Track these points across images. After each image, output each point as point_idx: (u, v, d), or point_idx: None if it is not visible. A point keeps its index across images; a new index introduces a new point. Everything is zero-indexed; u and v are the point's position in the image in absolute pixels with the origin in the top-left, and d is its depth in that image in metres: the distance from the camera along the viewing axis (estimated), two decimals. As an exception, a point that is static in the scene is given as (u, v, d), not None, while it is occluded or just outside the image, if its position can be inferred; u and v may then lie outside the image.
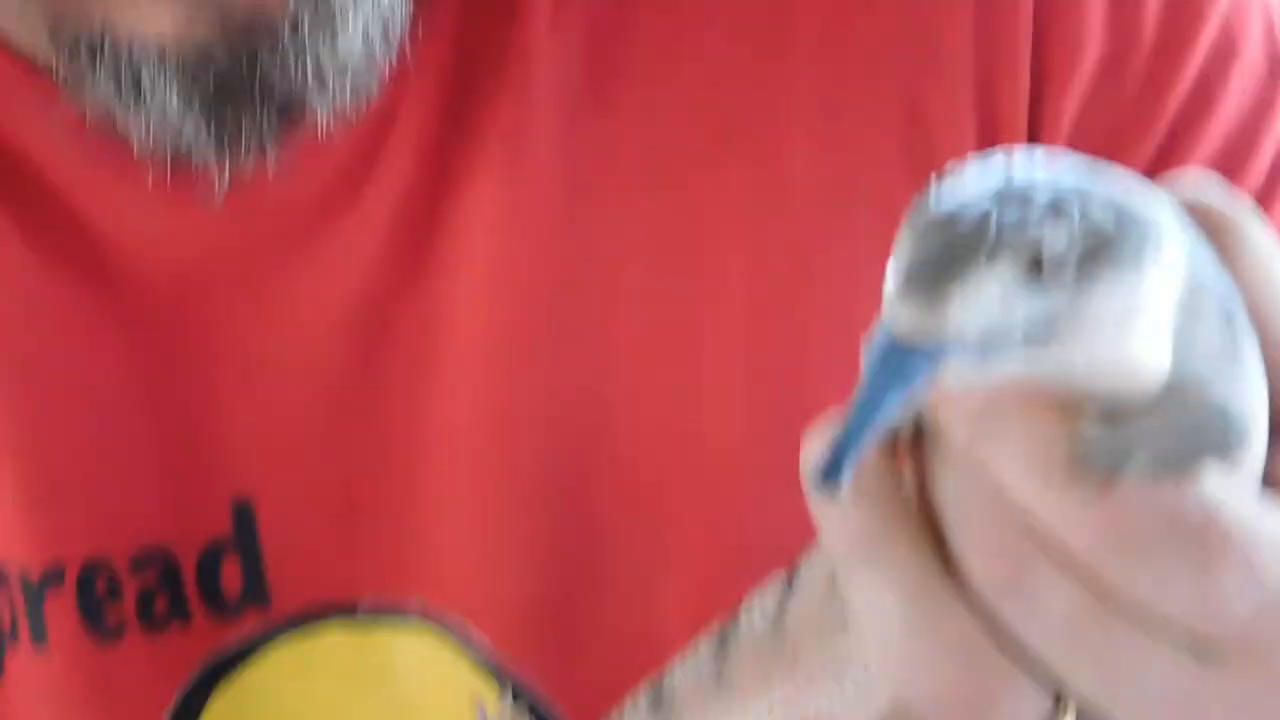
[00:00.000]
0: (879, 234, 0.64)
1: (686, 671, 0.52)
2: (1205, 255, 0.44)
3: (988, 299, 0.39)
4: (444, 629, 0.66)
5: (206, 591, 0.66)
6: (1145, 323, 0.41)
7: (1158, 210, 0.41)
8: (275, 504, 0.66)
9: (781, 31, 0.66)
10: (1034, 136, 0.66)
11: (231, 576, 0.66)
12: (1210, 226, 0.45)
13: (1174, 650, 0.43)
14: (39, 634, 0.65)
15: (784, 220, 0.66)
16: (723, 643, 0.51)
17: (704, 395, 0.67)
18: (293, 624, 0.66)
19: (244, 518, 0.66)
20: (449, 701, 0.67)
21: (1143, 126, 0.66)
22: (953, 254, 0.39)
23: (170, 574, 0.66)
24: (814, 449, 0.41)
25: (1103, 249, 0.40)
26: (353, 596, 0.66)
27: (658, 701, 0.52)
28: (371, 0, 0.60)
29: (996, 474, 0.43)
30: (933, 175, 0.58)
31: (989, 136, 0.66)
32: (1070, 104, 0.66)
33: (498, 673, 0.66)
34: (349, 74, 0.61)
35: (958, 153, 0.65)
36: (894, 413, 0.39)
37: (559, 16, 0.65)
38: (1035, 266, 0.40)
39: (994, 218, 0.40)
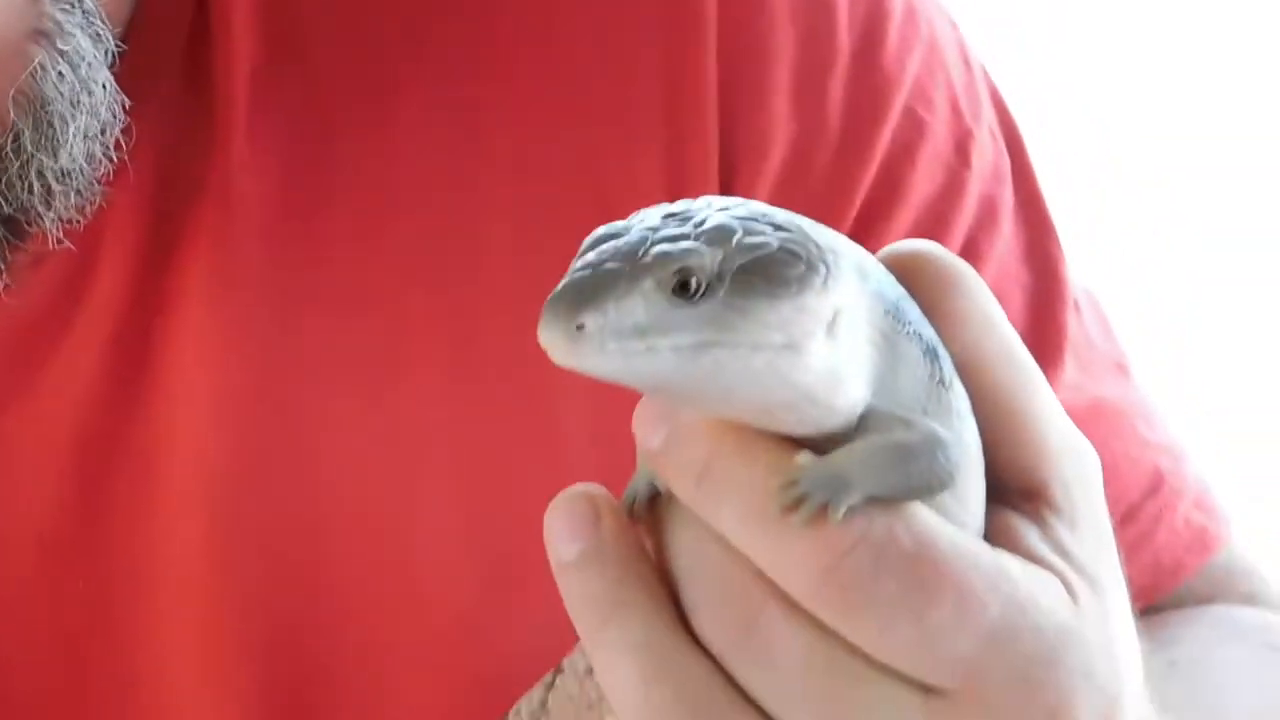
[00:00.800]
0: None
1: None
2: (908, 303, 0.44)
3: (627, 315, 0.40)
4: None
5: None
6: (817, 347, 0.41)
7: (836, 242, 0.42)
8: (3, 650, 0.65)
9: (478, 151, 0.66)
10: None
11: None
12: (925, 278, 0.45)
13: (901, 698, 0.43)
14: None
15: (485, 336, 0.66)
16: None
17: (416, 524, 0.65)
18: None
19: None
20: None
21: (832, 217, 0.63)
22: (593, 277, 0.40)
23: None
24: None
25: (761, 269, 0.40)
26: None
27: None
28: (89, 108, 0.59)
29: (720, 525, 0.43)
30: None
31: None
32: (760, 196, 0.64)
33: None
34: (72, 182, 0.60)
35: None
36: None
37: (258, 136, 0.64)
38: (684, 287, 0.40)
39: (644, 239, 0.41)
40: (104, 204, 0.62)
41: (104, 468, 0.64)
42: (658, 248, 0.40)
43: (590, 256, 0.41)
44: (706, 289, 0.40)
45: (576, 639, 0.48)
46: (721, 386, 0.41)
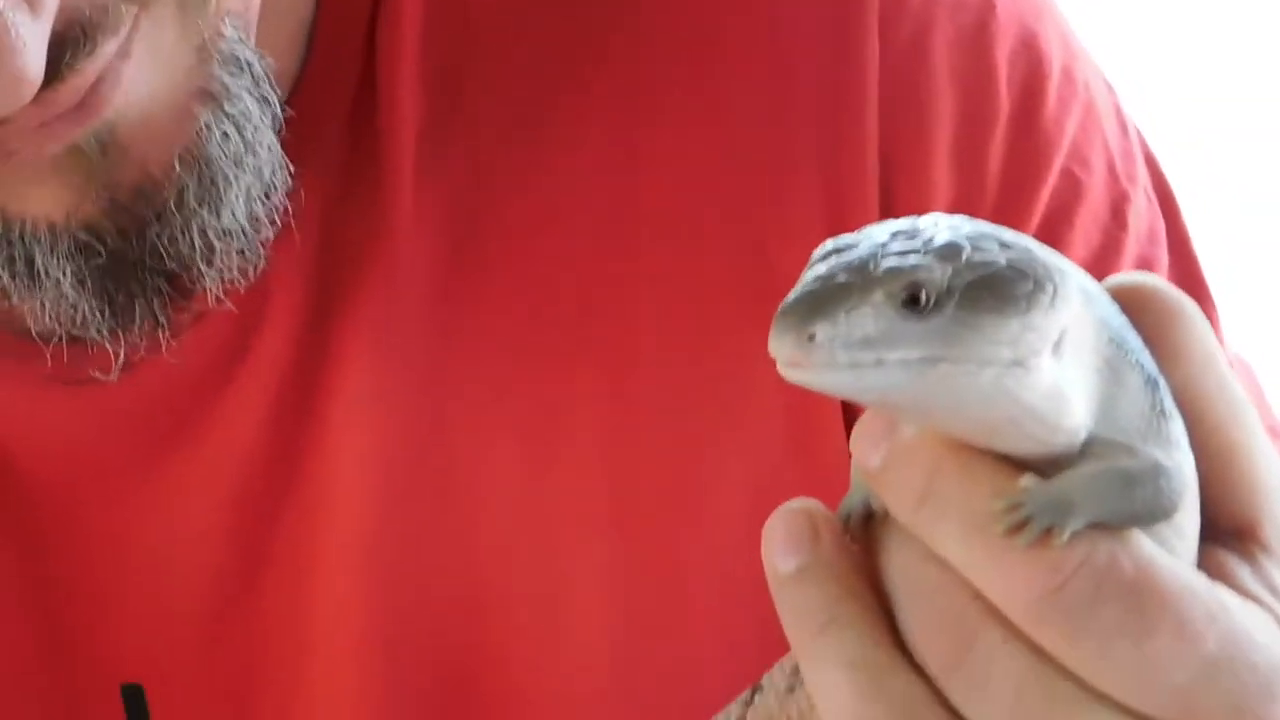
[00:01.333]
0: (738, 402, 0.65)
1: None
2: (1130, 332, 0.45)
3: (858, 327, 0.40)
4: None
5: None
6: (1044, 365, 0.42)
7: (1063, 263, 0.42)
8: (165, 689, 0.66)
9: (635, 207, 0.66)
10: None
11: None
12: (1148, 310, 0.46)
13: None
14: None
15: (641, 402, 0.66)
16: None
17: (574, 585, 0.66)
18: None
19: (135, 703, 0.66)
20: None
21: None
22: (825, 289, 0.41)
23: None
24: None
25: (989, 287, 0.41)
26: None
27: None
28: (252, 169, 0.60)
29: (939, 546, 0.43)
30: None
31: None
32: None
33: None
34: (234, 241, 0.60)
35: None
36: None
37: (423, 198, 0.65)
38: (914, 301, 0.40)
39: (875, 252, 0.41)
40: (269, 265, 0.62)
41: (264, 528, 0.65)
42: (888, 261, 0.41)
43: (820, 269, 0.41)
44: (936, 304, 0.40)
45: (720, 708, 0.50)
46: (949, 402, 0.41)
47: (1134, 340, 0.44)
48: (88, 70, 0.53)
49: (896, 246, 0.41)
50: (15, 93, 0.49)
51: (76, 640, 0.66)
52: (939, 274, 0.40)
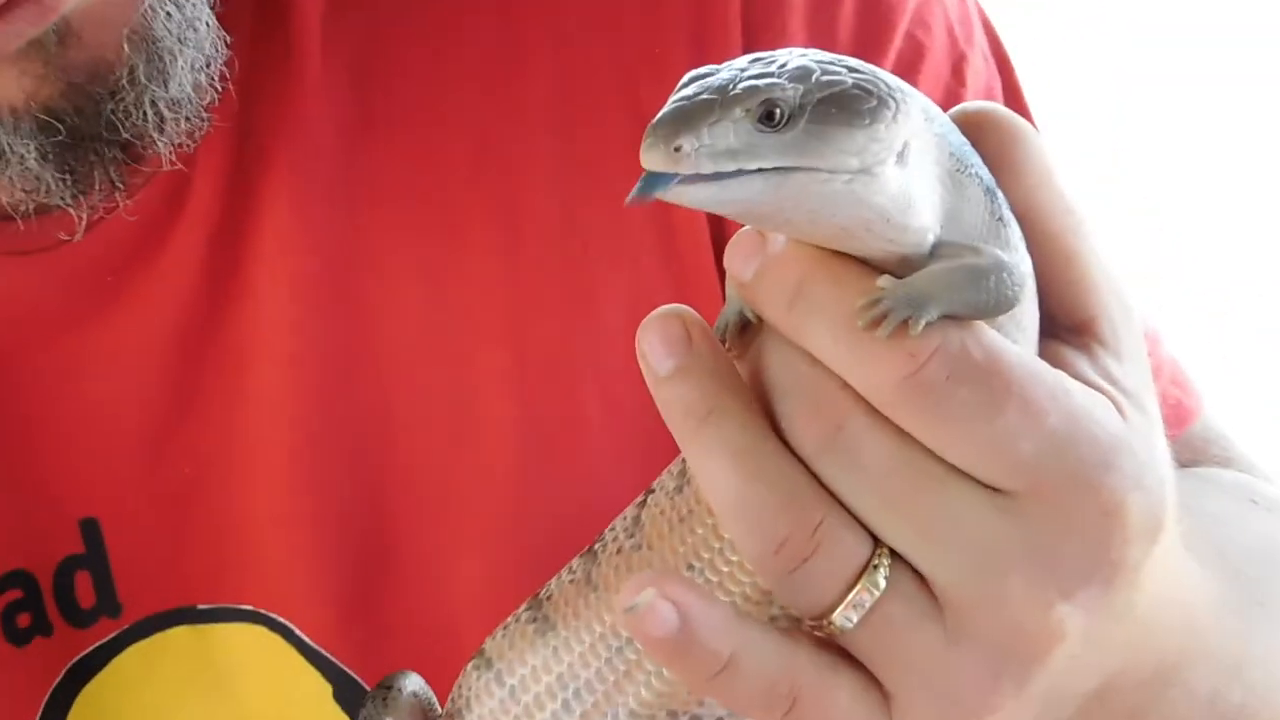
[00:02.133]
0: (614, 245, 0.73)
1: (561, 580, 0.57)
2: (969, 149, 0.49)
3: (719, 139, 0.45)
4: (272, 625, 0.73)
5: (63, 605, 0.73)
6: (890, 172, 0.46)
7: (905, 85, 0.47)
8: (118, 521, 0.73)
9: (518, 67, 0.73)
10: None
11: (85, 590, 0.73)
12: (984, 132, 0.50)
13: (972, 498, 0.48)
14: None
15: (528, 240, 0.73)
16: (591, 554, 0.57)
17: (477, 394, 0.73)
18: (141, 630, 0.74)
19: (91, 534, 0.73)
20: (280, 689, 0.74)
21: None
22: (691, 106, 0.45)
23: (30, 592, 0.72)
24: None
25: (837, 103, 0.45)
26: (192, 602, 0.74)
27: (535, 609, 0.58)
28: (194, 43, 0.67)
29: (809, 344, 0.48)
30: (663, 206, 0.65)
31: None
32: None
33: (321, 662, 0.73)
34: (182, 109, 0.68)
35: None
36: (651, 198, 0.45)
37: (329, 63, 0.72)
38: (769, 117, 0.45)
39: (735, 76, 0.46)
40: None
41: (197, 363, 0.73)
42: (745, 83, 0.45)
43: (686, 90, 0.46)
44: (789, 119, 0.45)
45: (620, 508, 0.55)
46: (807, 209, 0.46)
47: (973, 156, 0.49)
48: None
49: (754, 70, 0.46)
50: None
51: (35, 480, 0.73)
52: (791, 93, 0.45)
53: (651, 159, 0.45)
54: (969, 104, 0.51)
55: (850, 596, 0.49)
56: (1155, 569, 0.52)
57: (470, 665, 0.59)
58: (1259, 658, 0.62)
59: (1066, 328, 0.51)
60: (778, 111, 0.45)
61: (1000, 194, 0.50)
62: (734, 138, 0.45)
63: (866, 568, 0.49)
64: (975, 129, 0.50)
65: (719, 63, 0.71)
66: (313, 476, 0.73)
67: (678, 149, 0.44)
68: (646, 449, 0.69)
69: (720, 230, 0.74)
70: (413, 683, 0.61)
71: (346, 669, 0.73)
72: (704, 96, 0.45)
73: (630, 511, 0.55)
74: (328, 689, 0.73)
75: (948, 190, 0.48)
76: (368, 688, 0.73)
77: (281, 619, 0.73)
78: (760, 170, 0.45)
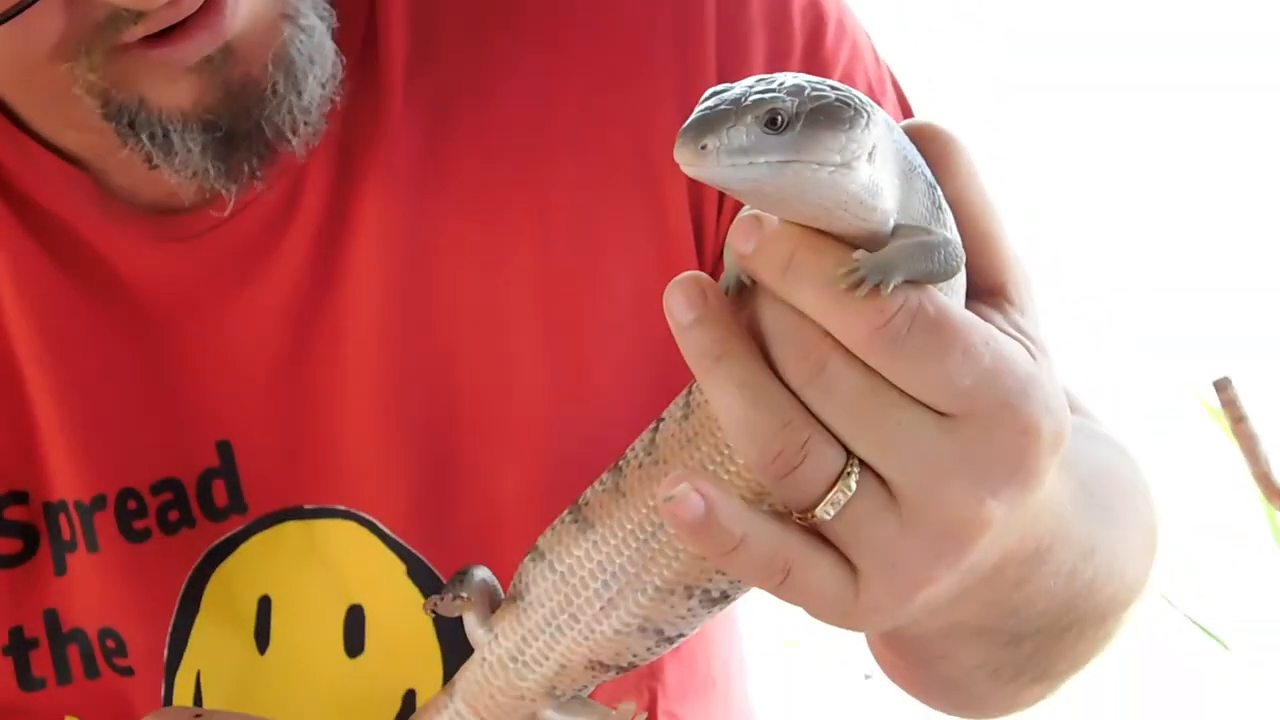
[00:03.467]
0: (621, 238, 0.92)
1: (595, 490, 0.67)
2: (917, 154, 0.59)
3: (735, 140, 0.53)
4: (361, 521, 0.92)
5: (204, 505, 0.92)
6: (862, 167, 0.55)
7: (873, 103, 0.56)
8: (246, 442, 0.92)
9: (553, 101, 0.90)
10: None
11: (220, 494, 0.92)
12: (927, 141, 0.60)
13: (923, 420, 0.57)
14: (92, 544, 0.91)
15: (556, 233, 0.90)
16: (617, 469, 0.66)
17: (516, 348, 0.91)
18: (262, 524, 0.92)
19: (225, 453, 0.92)
20: (366, 568, 0.93)
21: None
22: (713, 114, 0.54)
23: (179, 495, 0.92)
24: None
25: (824, 113, 0.54)
26: (300, 503, 0.92)
27: (576, 513, 0.67)
28: (319, 65, 0.83)
29: (798, 301, 0.57)
30: (655, 198, 0.86)
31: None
32: None
33: (398, 549, 0.92)
34: (311, 115, 0.84)
35: (673, 177, 0.90)
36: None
37: (410, 101, 0.90)
38: (773, 122, 0.54)
39: (745, 92, 0.55)
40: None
41: (311, 320, 0.91)
42: (754, 96, 0.55)
43: (709, 103, 0.55)
44: (788, 124, 0.54)
45: (623, 437, 0.67)
46: (799, 192, 0.55)
47: (919, 158, 0.59)
48: None
49: (759, 88, 0.55)
50: None
51: (184, 411, 0.93)
52: (790, 103, 0.54)
53: (683, 156, 0.54)
54: (916, 120, 0.62)
55: (830, 495, 0.58)
56: (1047, 484, 0.62)
57: (527, 559, 0.69)
58: (1102, 547, 0.74)
59: (984, 291, 0.61)
60: (779, 118, 0.54)
61: (938, 188, 0.59)
62: (745, 138, 0.54)
63: (842, 474, 0.58)
64: (920, 138, 0.60)
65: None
66: (392, 410, 0.91)
67: (703, 147, 0.54)
68: (644, 390, 0.88)
69: (700, 231, 0.91)
70: (482, 571, 0.74)
71: (417, 553, 0.92)
72: (722, 107, 0.54)
73: (645, 436, 0.65)
74: (402, 567, 0.92)
75: (902, 184, 0.57)
76: (433, 568, 0.92)
77: (368, 515, 0.92)
78: (766, 162, 0.54)
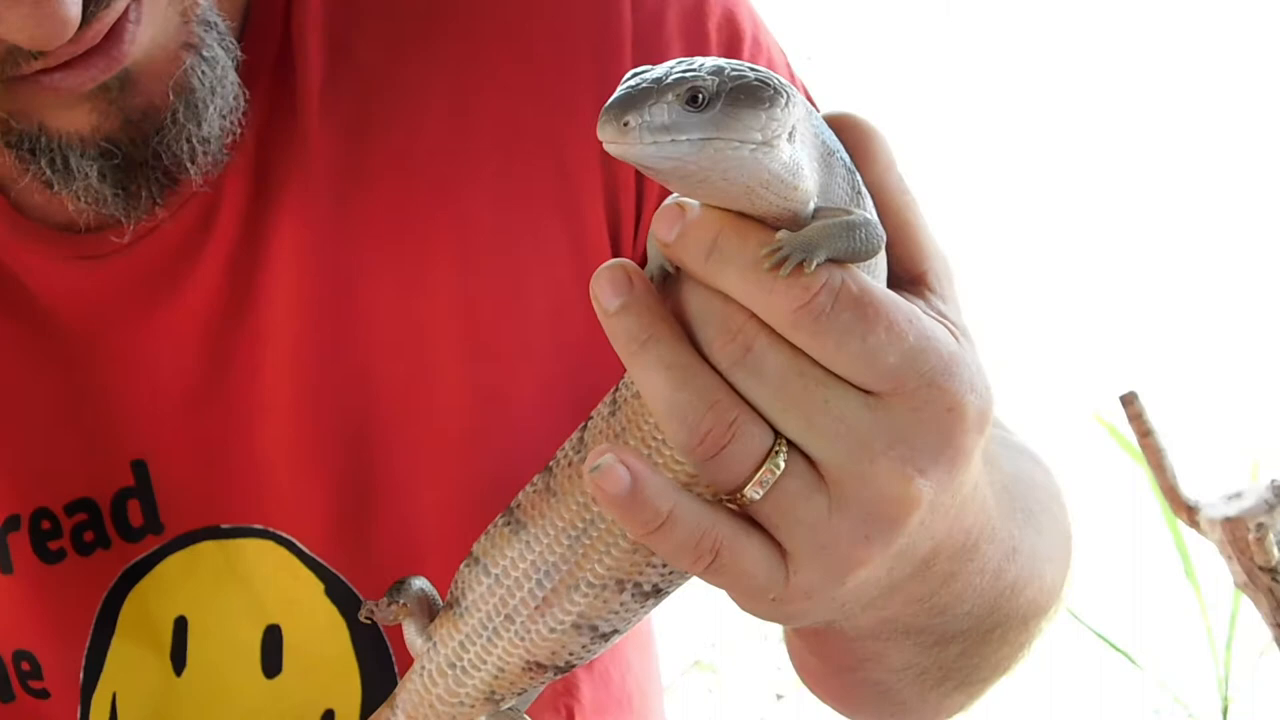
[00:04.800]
0: (541, 256, 0.92)
1: (526, 492, 0.67)
2: (836, 141, 0.59)
3: (657, 117, 0.54)
4: (279, 540, 0.92)
5: (119, 525, 0.91)
6: (783, 145, 0.55)
7: (793, 87, 0.57)
8: (162, 461, 0.91)
9: (469, 116, 0.90)
10: (640, 187, 0.91)
11: (136, 514, 0.91)
12: (846, 131, 0.61)
13: (850, 398, 0.58)
14: (5, 565, 0.90)
15: (476, 252, 0.90)
16: (548, 470, 0.67)
17: (436, 366, 0.90)
18: (178, 544, 0.92)
19: (141, 472, 0.91)
20: (284, 587, 0.92)
21: None
22: (635, 93, 0.55)
23: (94, 515, 0.91)
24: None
25: (744, 91, 0.55)
26: (217, 523, 0.92)
27: (509, 516, 0.68)
28: (221, 95, 0.83)
29: (722, 285, 0.58)
30: (574, 216, 0.84)
31: (610, 185, 0.91)
32: None
33: (316, 568, 0.92)
34: (210, 145, 0.84)
35: (591, 194, 0.91)
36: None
37: (325, 119, 0.90)
38: (694, 100, 0.55)
39: (666, 72, 0.56)
40: (224, 167, 0.86)
41: (227, 343, 0.91)
42: (675, 75, 0.56)
43: (630, 83, 0.56)
44: (708, 102, 0.55)
45: (555, 449, 0.67)
46: (722, 169, 0.56)
47: (839, 145, 0.60)
48: (105, 18, 0.76)
49: (680, 68, 0.56)
50: (60, 31, 0.73)
51: (99, 431, 0.92)
52: (710, 82, 0.56)
53: (606, 133, 0.55)
54: (836, 110, 0.63)
55: (758, 475, 0.59)
56: (974, 466, 0.63)
57: (463, 565, 0.70)
58: (1024, 549, 0.75)
59: (905, 280, 0.62)
60: (700, 96, 0.55)
61: (858, 174, 0.60)
62: (667, 116, 0.55)
63: (770, 453, 0.59)
64: (839, 127, 0.61)
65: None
66: (311, 428, 0.91)
67: (625, 124, 0.55)
68: (564, 409, 0.88)
69: (618, 248, 0.92)
70: (420, 581, 0.74)
71: (336, 572, 0.92)
72: (644, 85, 0.56)
73: (574, 436, 0.66)
74: (320, 586, 0.92)
75: (822, 168, 0.59)
76: (352, 587, 0.92)
77: (286, 534, 0.91)
78: (689, 140, 0.55)
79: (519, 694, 0.71)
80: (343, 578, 0.92)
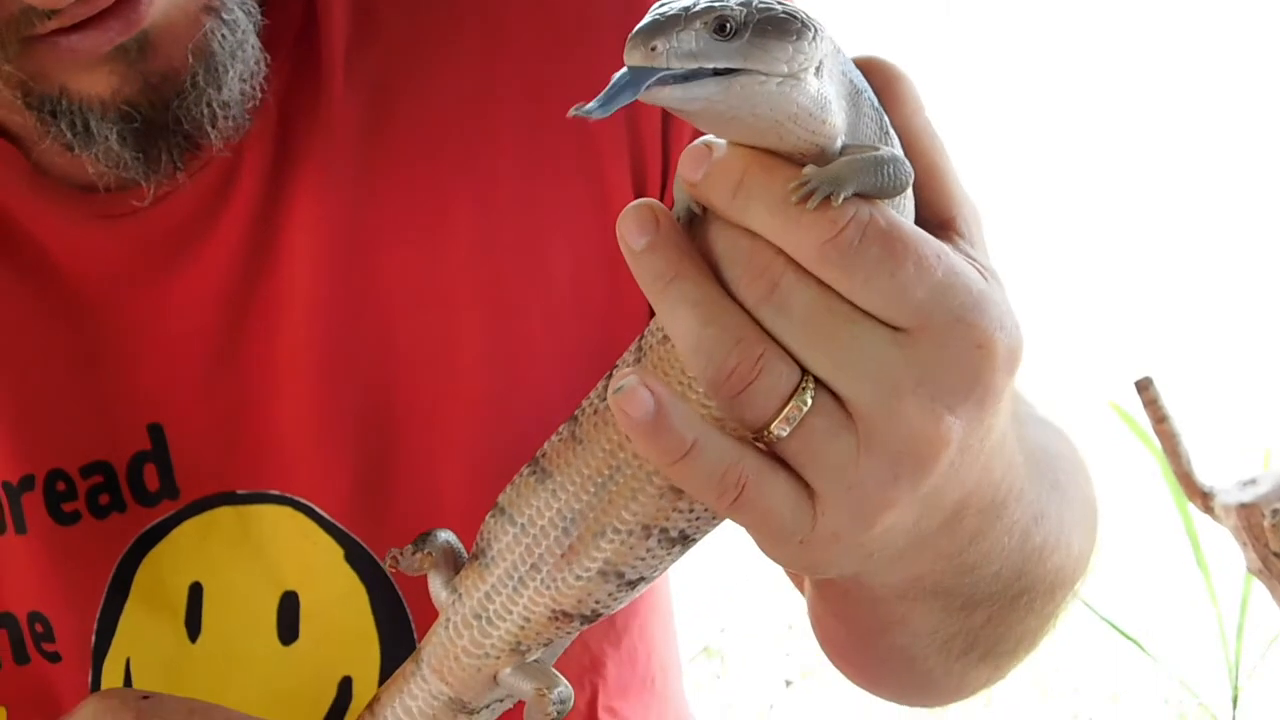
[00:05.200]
0: (564, 220, 0.91)
1: (552, 442, 0.67)
2: (864, 82, 0.59)
3: (684, 43, 0.54)
4: (297, 506, 0.91)
5: (135, 489, 0.91)
6: (810, 79, 0.55)
7: (819, 22, 0.57)
8: (178, 426, 0.91)
9: (495, 83, 0.90)
10: (666, 148, 0.90)
11: (151, 478, 0.91)
12: (874, 74, 0.61)
13: (878, 335, 0.57)
14: (20, 525, 0.90)
15: (498, 216, 0.90)
16: (573, 419, 0.67)
17: (456, 331, 0.90)
18: (194, 509, 0.91)
19: (157, 436, 0.91)
20: (302, 553, 0.92)
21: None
22: (663, 19, 0.55)
23: (109, 478, 0.90)
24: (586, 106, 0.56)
25: (772, 23, 0.55)
26: (233, 489, 0.91)
27: (534, 465, 0.68)
28: (242, 59, 0.83)
29: (749, 222, 0.57)
30: (597, 178, 0.83)
31: (635, 147, 0.90)
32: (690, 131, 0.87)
33: (336, 533, 0.91)
34: (231, 109, 0.83)
35: (615, 157, 0.90)
36: (623, 100, 0.55)
37: (349, 85, 0.90)
38: (721, 29, 0.55)
39: (695, 1, 0.55)
40: (245, 130, 0.86)
41: (247, 302, 0.90)
42: (703, 4, 0.56)
43: (659, 10, 0.56)
44: (736, 32, 0.55)
45: (560, 417, 0.67)
46: (750, 104, 0.56)
47: (866, 86, 0.61)
48: None
49: (708, 1, 0.56)
50: None
51: (116, 393, 0.91)
52: (739, 12, 0.56)
53: (633, 57, 0.55)
54: (866, 55, 0.62)
55: (784, 411, 0.58)
56: (1003, 413, 0.63)
57: (489, 516, 0.69)
58: (1051, 515, 0.74)
59: (934, 225, 0.61)
60: (728, 25, 0.55)
61: (885, 115, 0.60)
62: (695, 43, 0.55)
63: (797, 390, 0.58)
64: (867, 70, 0.61)
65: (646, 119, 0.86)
66: (330, 394, 0.90)
67: (653, 49, 0.55)
68: (585, 376, 0.82)
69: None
70: (446, 534, 0.74)
71: (356, 537, 0.91)
72: (672, 13, 0.55)
73: (599, 386, 0.66)
74: (340, 552, 0.91)
75: (849, 105, 0.59)
76: (372, 553, 0.91)
77: (305, 500, 0.91)
78: (715, 73, 0.55)
79: (545, 644, 0.70)
80: (363, 543, 0.92)
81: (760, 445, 0.60)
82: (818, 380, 0.59)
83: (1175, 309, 5.28)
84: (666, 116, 0.91)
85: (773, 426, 0.59)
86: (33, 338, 0.90)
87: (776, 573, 0.99)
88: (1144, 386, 2.11)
